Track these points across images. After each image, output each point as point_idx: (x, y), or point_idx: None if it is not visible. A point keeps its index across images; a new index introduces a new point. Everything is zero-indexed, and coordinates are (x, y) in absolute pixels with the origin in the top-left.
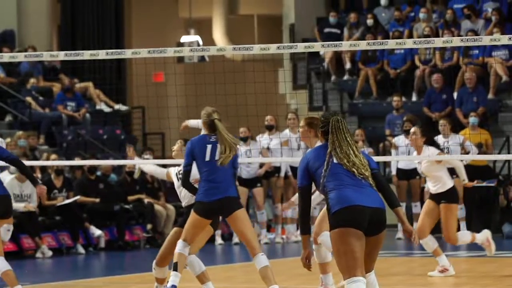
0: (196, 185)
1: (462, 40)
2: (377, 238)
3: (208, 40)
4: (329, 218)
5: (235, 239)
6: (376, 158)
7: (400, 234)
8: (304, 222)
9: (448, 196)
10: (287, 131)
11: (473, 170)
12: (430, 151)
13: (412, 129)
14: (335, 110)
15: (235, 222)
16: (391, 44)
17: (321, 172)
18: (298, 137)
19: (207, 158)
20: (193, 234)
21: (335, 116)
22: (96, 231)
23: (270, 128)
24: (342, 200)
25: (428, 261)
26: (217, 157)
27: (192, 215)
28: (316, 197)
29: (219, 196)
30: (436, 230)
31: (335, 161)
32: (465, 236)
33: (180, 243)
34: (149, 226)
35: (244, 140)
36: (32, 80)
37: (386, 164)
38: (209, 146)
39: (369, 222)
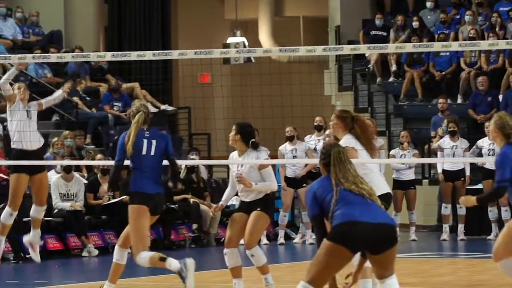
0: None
1: (507, 43)
2: (388, 254)
3: (254, 42)
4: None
5: (281, 240)
6: (422, 160)
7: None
8: None
9: None
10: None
11: None
12: None
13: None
14: (335, 142)
15: None
16: (436, 46)
17: (330, 200)
18: None
19: (144, 152)
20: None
21: (336, 148)
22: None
23: (319, 129)
24: (345, 216)
25: (471, 263)
26: (152, 152)
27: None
28: None
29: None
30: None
31: (344, 188)
32: None
33: None
34: (194, 226)
35: (290, 139)
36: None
37: (431, 166)
38: (145, 141)
39: (374, 238)
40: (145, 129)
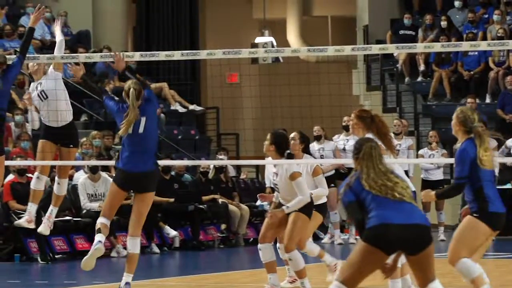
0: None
1: None
2: (424, 255)
3: (282, 41)
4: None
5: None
6: (450, 160)
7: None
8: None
9: None
10: None
11: None
12: None
13: None
14: (369, 137)
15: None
16: (465, 46)
17: (364, 197)
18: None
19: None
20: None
21: (369, 143)
22: (171, 232)
23: (347, 129)
24: (378, 217)
25: (501, 263)
26: (141, 130)
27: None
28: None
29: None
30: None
31: (374, 190)
32: None
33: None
34: (223, 226)
35: (318, 138)
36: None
37: None
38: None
39: (408, 239)
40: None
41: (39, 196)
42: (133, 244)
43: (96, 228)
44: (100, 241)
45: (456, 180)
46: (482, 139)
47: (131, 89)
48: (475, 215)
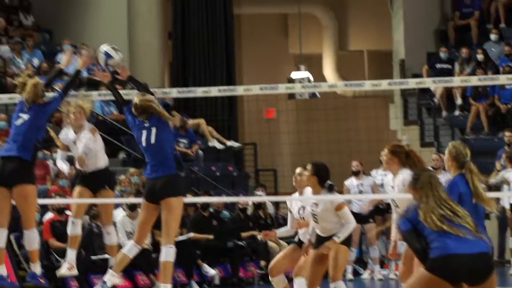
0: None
1: None
2: (487, 285)
3: (318, 76)
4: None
5: (349, 275)
6: (488, 194)
7: None
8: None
9: None
10: None
11: None
12: None
13: None
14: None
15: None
16: (502, 79)
17: (422, 228)
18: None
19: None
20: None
21: (426, 172)
22: (210, 271)
23: None
24: (441, 248)
25: None
26: (152, 141)
27: None
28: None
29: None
30: None
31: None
32: None
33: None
34: (263, 263)
35: (356, 174)
36: None
37: (499, 199)
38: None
39: (472, 270)
40: None
41: (77, 241)
42: (165, 252)
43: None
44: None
45: None
46: (474, 174)
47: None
48: None
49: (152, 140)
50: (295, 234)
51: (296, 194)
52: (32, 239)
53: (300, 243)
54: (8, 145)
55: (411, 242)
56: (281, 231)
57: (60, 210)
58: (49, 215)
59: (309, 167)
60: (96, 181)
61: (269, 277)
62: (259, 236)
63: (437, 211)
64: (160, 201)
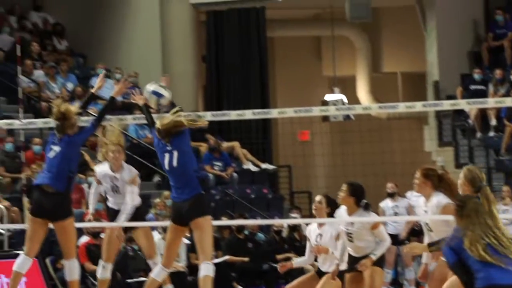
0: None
1: None
2: None
3: (352, 98)
4: None
5: None
6: None
7: None
8: None
9: None
10: None
11: None
12: None
13: None
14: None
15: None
16: None
17: (467, 257)
18: None
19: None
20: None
21: (472, 199)
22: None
23: None
24: (486, 279)
25: None
26: (175, 164)
27: None
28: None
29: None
30: None
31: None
32: None
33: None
34: None
35: (391, 196)
36: None
37: None
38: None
39: None
40: None
41: (106, 284)
42: (204, 268)
43: None
44: None
45: None
46: (489, 198)
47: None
48: None
49: (174, 163)
50: (315, 261)
51: (314, 225)
52: (72, 269)
53: (319, 272)
54: (42, 175)
55: (459, 275)
56: (299, 261)
57: (95, 234)
58: (84, 239)
59: (344, 187)
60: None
61: None
62: (279, 268)
63: (482, 240)
64: (189, 223)
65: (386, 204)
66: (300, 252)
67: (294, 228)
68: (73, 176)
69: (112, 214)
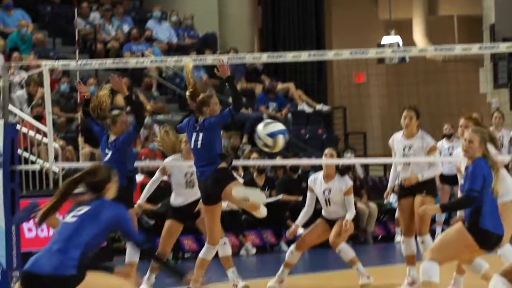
0: None
1: None
2: None
3: (408, 41)
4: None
5: (439, 236)
6: None
7: None
8: None
9: None
10: (490, 129)
11: None
12: None
13: None
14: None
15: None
16: None
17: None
18: (501, 136)
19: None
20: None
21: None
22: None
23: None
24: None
25: None
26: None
27: None
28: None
29: None
30: None
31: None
32: None
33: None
34: None
35: (448, 136)
36: None
37: None
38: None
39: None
40: None
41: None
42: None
43: None
44: None
45: (468, 192)
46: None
47: None
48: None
49: (199, 145)
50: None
51: (320, 177)
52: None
53: (325, 219)
54: None
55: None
56: (301, 220)
57: (150, 173)
58: (139, 177)
59: (410, 112)
60: (189, 213)
61: (295, 250)
62: (288, 235)
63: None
64: (219, 201)
65: (442, 144)
66: (354, 191)
67: (348, 168)
68: (133, 176)
69: (174, 210)
